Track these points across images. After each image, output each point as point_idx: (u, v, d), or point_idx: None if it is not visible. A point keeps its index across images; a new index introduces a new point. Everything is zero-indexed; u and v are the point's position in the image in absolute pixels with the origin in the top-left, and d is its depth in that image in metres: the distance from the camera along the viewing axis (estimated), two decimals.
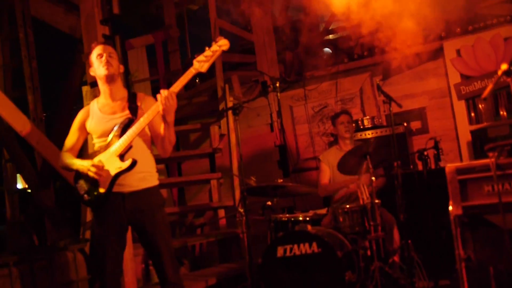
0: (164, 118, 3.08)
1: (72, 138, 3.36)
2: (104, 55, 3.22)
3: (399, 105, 4.27)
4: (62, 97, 5.02)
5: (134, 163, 3.09)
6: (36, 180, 4.78)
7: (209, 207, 5.71)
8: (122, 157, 3.11)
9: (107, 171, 3.10)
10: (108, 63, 3.21)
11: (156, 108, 3.07)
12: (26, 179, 4.96)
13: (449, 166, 2.75)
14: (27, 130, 4.06)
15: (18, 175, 5.48)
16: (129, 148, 3.12)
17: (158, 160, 6.19)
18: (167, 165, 6.78)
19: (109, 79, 3.24)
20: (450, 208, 2.73)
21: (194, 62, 3.05)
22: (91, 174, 3.10)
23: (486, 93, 2.73)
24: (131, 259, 4.14)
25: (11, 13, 5.43)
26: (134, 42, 7.10)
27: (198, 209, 6.12)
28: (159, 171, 6.64)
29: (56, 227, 4.70)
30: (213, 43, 3.05)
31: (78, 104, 4.80)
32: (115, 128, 3.16)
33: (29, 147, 4.51)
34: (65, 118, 4.77)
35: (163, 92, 3.02)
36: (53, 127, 5.16)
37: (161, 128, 3.15)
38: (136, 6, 8.37)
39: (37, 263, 3.84)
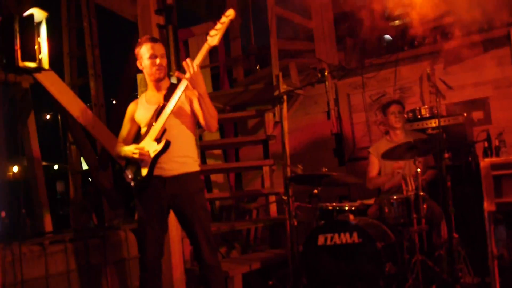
0: (197, 91, 3.21)
1: (124, 130, 3.57)
2: (158, 58, 3.34)
3: (443, 96, 4.12)
4: (121, 83, 5.26)
5: (167, 144, 3.24)
6: (96, 162, 5.07)
7: (260, 193, 5.80)
8: (158, 140, 3.27)
9: (148, 155, 3.27)
10: (161, 68, 3.35)
11: (182, 85, 3.19)
12: (87, 161, 5.27)
13: (484, 161, 2.67)
14: (84, 115, 4.32)
15: (81, 157, 5.82)
16: (163, 131, 3.26)
17: (215, 146, 6.44)
18: (225, 150, 6.93)
19: (160, 80, 3.40)
20: (484, 204, 2.65)
21: (207, 37, 3.17)
22: (135, 156, 3.28)
23: None
24: (179, 241, 4.32)
25: (77, 3, 5.72)
26: (195, 29, 7.26)
27: (250, 195, 6.23)
28: (216, 156, 6.85)
29: (113, 208, 4.97)
30: (222, 15, 3.14)
31: (135, 90, 5.01)
32: (151, 115, 3.32)
33: None
34: (123, 105, 5.00)
35: (189, 60, 3.14)
36: (113, 112, 5.43)
37: (198, 104, 3.27)
38: None
39: (91, 241, 4.09)
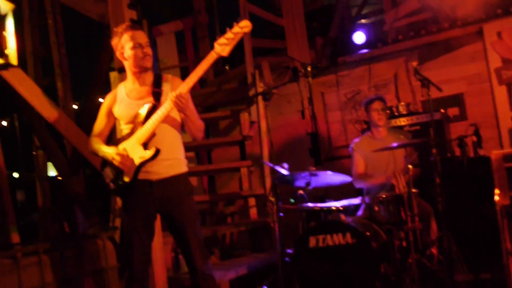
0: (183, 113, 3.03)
1: (100, 123, 3.30)
2: (145, 47, 3.10)
3: (439, 89, 4.06)
4: (91, 84, 4.98)
5: (157, 153, 3.00)
6: (66, 167, 4.77)
7: (239, 196, 5.62)
8: (145, 145, 3.03)
9: (132, 160, 3.02)
10: (149, 56, 3.12)
11: (168, 107, 2.98)
12: (56, 167, 4.95)
13: (495, 153, 2.58)
14: (55, 117, 4.03)
15: (49, 163, 5.48)
16: (152, 136, 3.03)
17: (188, 148, 6.16)
18: (197, 152, 6.71)
19: (146, 70, 3.16)
20: (496, 198, 2.56)
21: (215, 45, 2.93)
22: (115, 162, 3.04)
23: None
24: (161, 248, 4.08)
25: (40, 0, 5.40)
26: (163, 28, 7.04)
27: (228, 198, 6.03)
28: (189, 159, 6.61)
29: (86, 215, 4.68)
30: (235, 24, 2.91)
31: (106, 90, 4.75)
32: (139, 115, 3.07)
33: (59, 135, 4.48)
34: (93, 105, 4.72)
35: (171, 95, 2.92)
36: (82, 114, 5.13)
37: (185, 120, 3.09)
38: None
39: (67, 251, 3.81)
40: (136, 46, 3.08)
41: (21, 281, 3.47)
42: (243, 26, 2.92)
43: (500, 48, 5.54)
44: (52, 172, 5.51)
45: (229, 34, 2.93)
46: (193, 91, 6.47)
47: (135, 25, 3.22)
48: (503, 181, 2.52)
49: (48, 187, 5.39)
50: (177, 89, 3.00)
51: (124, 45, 3.13)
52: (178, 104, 2.93)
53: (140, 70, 3.14)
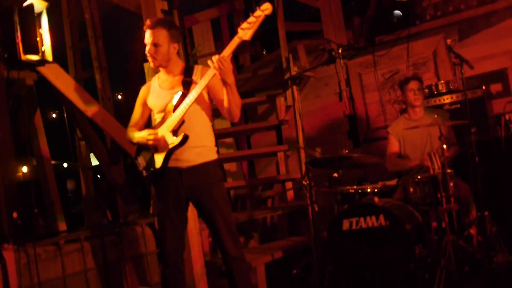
0: (224, 82, 3.02)
1: (136, 114, 3.41)
2: (149, 47, 3.17)
3: (471, 67, 3.94)
4: (127, 75, 5.10)
5: (185, 139, 3.07)
6: (107, 157, 4.93)
7: (276, 180, 5.65)
8: (175, 132, 3.10)
9: (164, 140, 3.10)
10: (151, 58, 3.18)
11: (208, 76, 3.02)
12: (97, 157, 5.12)
13: None
14: (92, 109, 4.17)
15: (91, 153, 5.67)
16: (181, 123, 3.10)
17: (226, 134, 6.29)
18: (236, 138, 6.78)
19: (157, 68, 3.25)
20: None
21: (239, 30, 2.96)
22: (150, 142, 3.12)
23: None
24: (197, 234, 4.18)
25: None
26: (199, 16, 7.08)
27: (265, 182, 6.08)
28: (228, 145, 6.71)
29: (127, 203, 4.83)
30: (257, 7, 2.93)
31: (142, 81, 4.87)
32: (169, 104, 3.15)
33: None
34: (130, 96, 4.84)
35: (214, 57, 2.96)
36: (120, 105, 5.28)
37: (224, 93, 3.09)
38: None
39: (107, 238, 3.97)
40: (147, 44, 3.18)
41: (64, 266, 3.65)
42: (264, 8, 2.95)
43: None
44: (95, 162, 5.69)
45: (251, 18, 2.96)
46: None
47: (155, 22, 3.23)
48: None
49: (91, 177, 5.60)
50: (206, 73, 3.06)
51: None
52: (220, 67, 2.95)
53: (154, 67, 3.23)
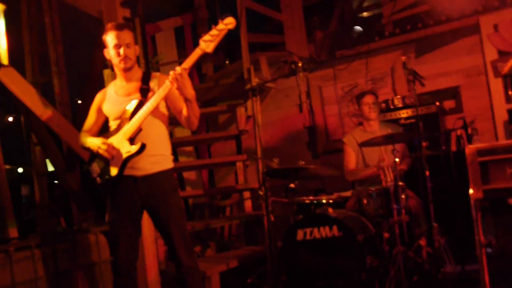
0: (184, 96, 3.03)
1: (90, 120, 3.38)
2: (122, 47, 3.14)
3: (422, 84, 4.09)
4: (86, 81, 5.05)
5: (142, 147, 3.06)
6: (62, 163, 4.85)
7: (235, 189, 5.67)
8: (132, 140, 3.09)
9: (118, 151, 3.09)
10: (126, 58, 3.15)
11: (166, 88, 3.02)
12: (53, 163, 5.04)
13: (470, 147, 2.60)
14: (48, 114, 4.11)
15: (47, 159, 5.57)
16: (138, 131, 3.09)
17: (186, 142, 6.28)
18: (197, 147, 6.78)
19: (126, 70, 3.22)
20: (471, 191, 2.58)
21: (201, 41, 2.99)
22: (101, 151, 3.09)
23: (507, 68, 2.54)
24: (152, 242, 4.17)
25: None
26: (162, 24, 7.10)
27: (224, 191, 6.09)
28: (188, 153, 6.70)
29: (82, 210, 4.76)
30: (220, 21, 2.96)
31: (101, 87, 4.83)
32: (126, 111, 3.14)
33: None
34: (88, 102, 4.79)
35: (171, 73, 2.97)
36: (79, 111, 5.21)
37: (184, 107, 3.10)
38: None
39: (60, 245, 3.88)
40: (116, 46, 3.15)
41: (13, 274, 3.55)
42: (228, 23, 2.98)
43: (496, 41, 5.50)
44: (52, 168, 5.59)
45: (213, 31, 2.98)
46: (192, 86, 6.57)
47: (121, 24, 3.26)
48: (476, 175, 2.54)
49: (46, 183, 5.49)
50: (163, 85, 3.06)
51: (108, 44, 3.20)
52: (178, 81, 2.94)
53: (120, 69, 3.21)
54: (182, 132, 6.28)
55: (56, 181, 5.79)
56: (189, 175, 6.45)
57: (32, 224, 6.18)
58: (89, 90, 5.02)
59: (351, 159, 4.72)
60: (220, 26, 2.95)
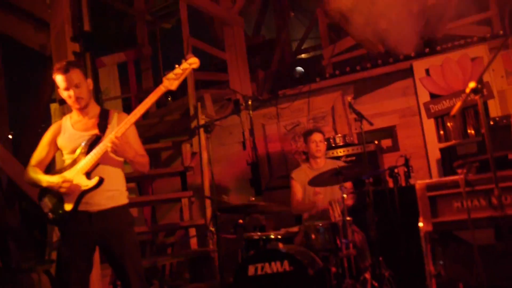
0: (124, 158, 3.14)
1: (41, 153, 3.28)
2: (71, 90, 3.12)
3: (370, 123, 4.30)
4: (30, 115, 4.92)
5: (100, 182, 3.03)
6: (1, 199, 4.65)
7: (180, 226, 5.63)
8: (88, 175, 3.05)
9: (79, 187, 3.03)
10: (78, 99, 3.15)
11: (104, 145, 3.05)
12: None
13: (419, 183, 2.77)
14: None
15: None
16: (95, 166, 3.06)
17: (129, 179, 6.15)
18: (139, 183, 6.69)
19: (82, 109, 3.21)
20: (420, 224, 2.74)
21: (164, 79, 3.04)
22: (63, 190, 3.02)
23: (454, 110, 2.76)
24: (99, 280, 4.05)
25: None
26: (106, 60, 7.06)
27: (168, 228, 6.03)
28: (130, 190, 6.58)
29: (21, 248, 4.55)
30: (183, 60, 3.04)
31: (46, 122, 4.71)
32: (82, 145, 3.10)
33: None
34: (32, 136, 4.67)
35: (106, 141, 3.01)
36: (20, 145, 5.04)
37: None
38: (109, 24, 8.34)
39: (1, 286, 3.70)
40: (65, 89, 3.14)
41: None
42: (192, 62, 3.07)
43: (428, 84, 5.90)
44: None
45: (177, 70, 3.06)
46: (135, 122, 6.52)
47: (66, 66, 3.16)
48: (426, 209, 2.70)
49: None
50: (122, 122, 3.06)
51: (58, 86, 3.18)
52: (114, 149, 2.99)
53: (77, 109, 3.19)
54: (124, 169, 6.18)
55: None
56: (131, 211, 6.31)
57: None
58: (33, 124, 4.90)
59: (298, 193, 4.83)
60: (184, 65, 3.03)
